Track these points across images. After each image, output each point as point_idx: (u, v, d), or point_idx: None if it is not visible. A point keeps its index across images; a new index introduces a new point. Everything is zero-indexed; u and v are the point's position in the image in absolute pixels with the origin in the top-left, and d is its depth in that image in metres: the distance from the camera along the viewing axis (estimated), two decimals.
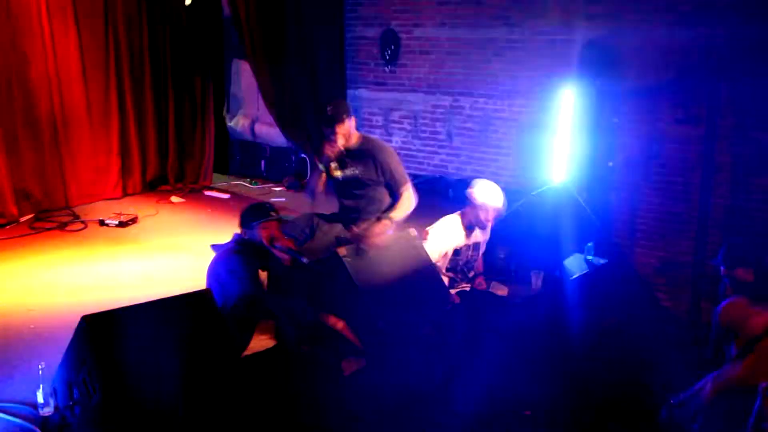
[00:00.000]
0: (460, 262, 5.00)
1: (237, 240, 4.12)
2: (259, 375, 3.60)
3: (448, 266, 4.95)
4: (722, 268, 3.90)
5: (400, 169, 4.90)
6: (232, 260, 3.97)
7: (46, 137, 7.55)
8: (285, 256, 4.02)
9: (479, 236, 5.09)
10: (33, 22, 7.29)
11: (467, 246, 5.01)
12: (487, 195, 4.91)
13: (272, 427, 3.52)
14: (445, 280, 4.89)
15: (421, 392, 3.95)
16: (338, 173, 4.94)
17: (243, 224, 4.12)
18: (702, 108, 5.96)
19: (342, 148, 4.81)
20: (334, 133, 4.78)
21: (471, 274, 5.08)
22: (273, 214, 4.07)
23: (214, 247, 4.18)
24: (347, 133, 4.83)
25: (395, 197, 4.89)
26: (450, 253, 4.93)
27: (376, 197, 4.92)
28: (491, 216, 4.92)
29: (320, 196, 5.01)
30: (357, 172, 4.88)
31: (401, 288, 4.55)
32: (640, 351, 4.77)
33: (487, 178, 7.47)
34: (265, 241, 3.99)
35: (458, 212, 5.03)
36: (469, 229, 5.00)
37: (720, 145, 5.91)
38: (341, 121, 4.77)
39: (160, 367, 3.40)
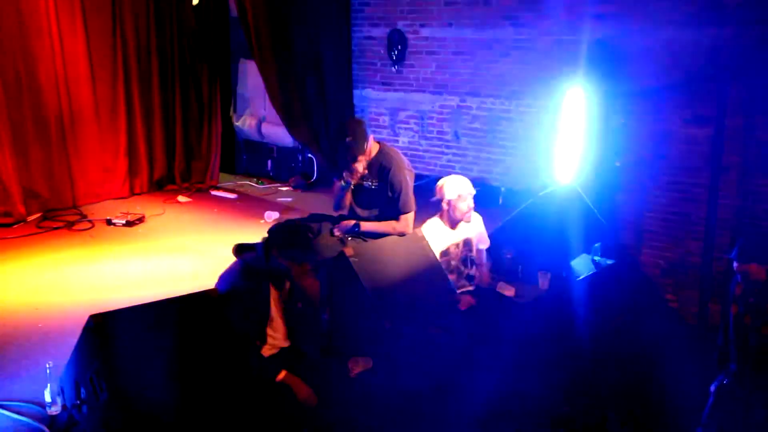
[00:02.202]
0: (452, 262, 4.99)
1: (254, 259, 3.88)
2: (266, 375, 3.60)
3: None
4: (735, 263, 3.88)
5: (407, 194, 4.82)
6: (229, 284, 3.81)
7: (53, 137, 7.58)
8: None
9: (468, 232, 5.07)
10: (41, 22, 7.32)
11: (455, 245, 5.00)
12: (457, 186, 4.91)
13: (278, 426, 3.52)
14: None
15: (428, 393, 3.94)
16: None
17: (275, 249, 3.82)
18: (709, 108, 5.93)
19: (362, 173, 4.78)
20: (356, 161, 4.72)
21: (470, 271, 5.06)
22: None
23: (241, 259, 4.06)
24: (368, 156, 4.78)
25: (396, 217, 4.87)
26: (438, 257, 4.91)
27: (387, 211, 4.88)
28: (469, 203, 4.91)
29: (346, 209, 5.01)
30: (371, 185, 4.85)
31: (408, 288, 4.54)
32: (647, 352, 4.75)
33: (495, 179, 7.53)
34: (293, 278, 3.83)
35: (436, 215, 5.01)
36: (453, 226, 5.00)
37: (728, 146, 5.88)
38: (363, 152, 4.70)
39: (167, 366, 3.40)
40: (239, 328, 3.63)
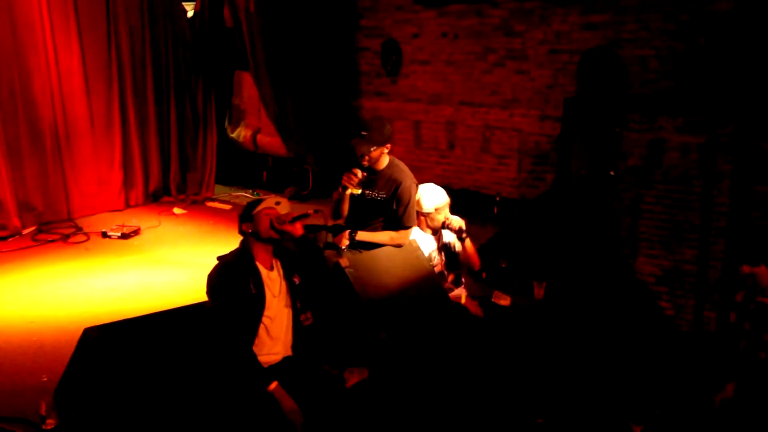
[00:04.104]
0: (437, 268, 5.01)
1: (238, 249, 3.78)
2: (258, 384, 3.58)
3: None
4: (745, 266, 3.88)
5: (412, 209, 4.79)
6: (215, 280, 3.64)
7: (48, 149, 7.58)
8: (296, 228, 3.68)
9: (447, 236, 5.09)
10: (36, 35, 7.33)
11: (437, 250, 5.03)
12: (433, 198, 4.93)
13: None
14: None
15: (424, 403, 3.94)
16: (356, 191, 4.71)
17: (243, 220, 3.72)
18: (703, 116, 5.96)
19: (361, 176, 4.66)
20: (364, 155, 4.61)
21: (451, 278, 5.07)
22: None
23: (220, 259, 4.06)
24: (377, 158, 4.71)
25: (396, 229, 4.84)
26: None
27: (387, 223, 4.88)
28: (446, 213, 4.93)
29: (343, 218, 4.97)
30: (378, 196, 4.80)
31: (403, 298, 4.54)
32: (643, 360, 4.75)
33: (489, 188, 7.54)
34: (274, 224, 3.64)
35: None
36: (433, 233, 5.03)
37: (721, 153, 5.91)
38: (371, 151, 4.60)
39: (163, 379, 3.40)
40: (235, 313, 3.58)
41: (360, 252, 4.72)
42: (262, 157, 9.64)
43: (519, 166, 7.36)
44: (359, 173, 4.66)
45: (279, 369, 3.70)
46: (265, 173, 9.64)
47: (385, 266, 4.63)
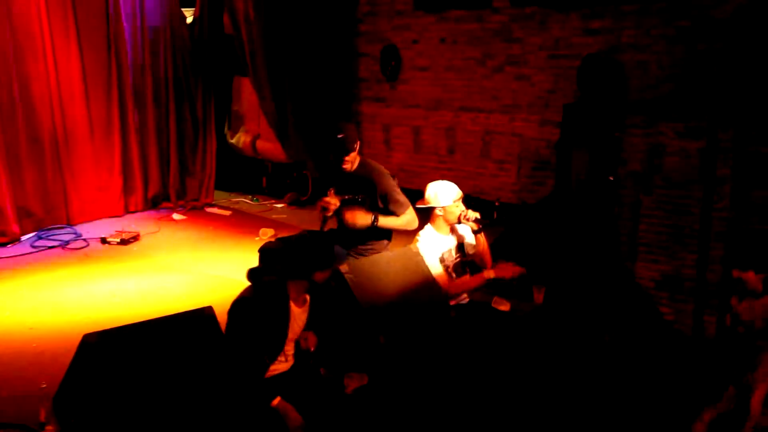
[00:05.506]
0: (448, 269, 5.00)
1: (274, 282, 3.74)
2: (262, 398, 3.57)
3: None
4: (735, 271, 3.89)
5: (399, 196, 4.88)
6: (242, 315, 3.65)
7: (48, 155, 7.58)
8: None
9: (459, 235, 5.08)
10: (36, 41, 7.33)
11: (449, 251, 5.02)
12: (449, 191, 4.94)
13: None
14: None
15: (424, 408, 3.93)
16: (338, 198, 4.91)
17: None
18: (703, 121, 5.96)
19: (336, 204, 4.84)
20: (346, 158, 4.82)
21: (466, 277, 5.05)
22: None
23: (251, 274, 3.98)
24: (354, 160, 4.88)
25: None
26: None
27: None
28: (461, 206, 4.93)
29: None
30: (358, 199, 4.88)
31: (403, 303, 4.54)
32: (643, 365, 4.75)
33: (489, 194, 7.54)
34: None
35: (427, 224, 5.03)
36: (446, 232, 5.02)
37: (720, 158, 5.91)
38: (353, 149, 4.82)
39: (162, 385, 3.39)
40: (253, 346, 3.58)
41: (359, 257, 4.74)
42: (262, 163, 9.64)
43: (519, 171, 7.36)
44: (333, 202, 4.81)
45: (281, 379, 3.70)
46: (264, 179, 9.65)
47: (384, 271, 4.63)
